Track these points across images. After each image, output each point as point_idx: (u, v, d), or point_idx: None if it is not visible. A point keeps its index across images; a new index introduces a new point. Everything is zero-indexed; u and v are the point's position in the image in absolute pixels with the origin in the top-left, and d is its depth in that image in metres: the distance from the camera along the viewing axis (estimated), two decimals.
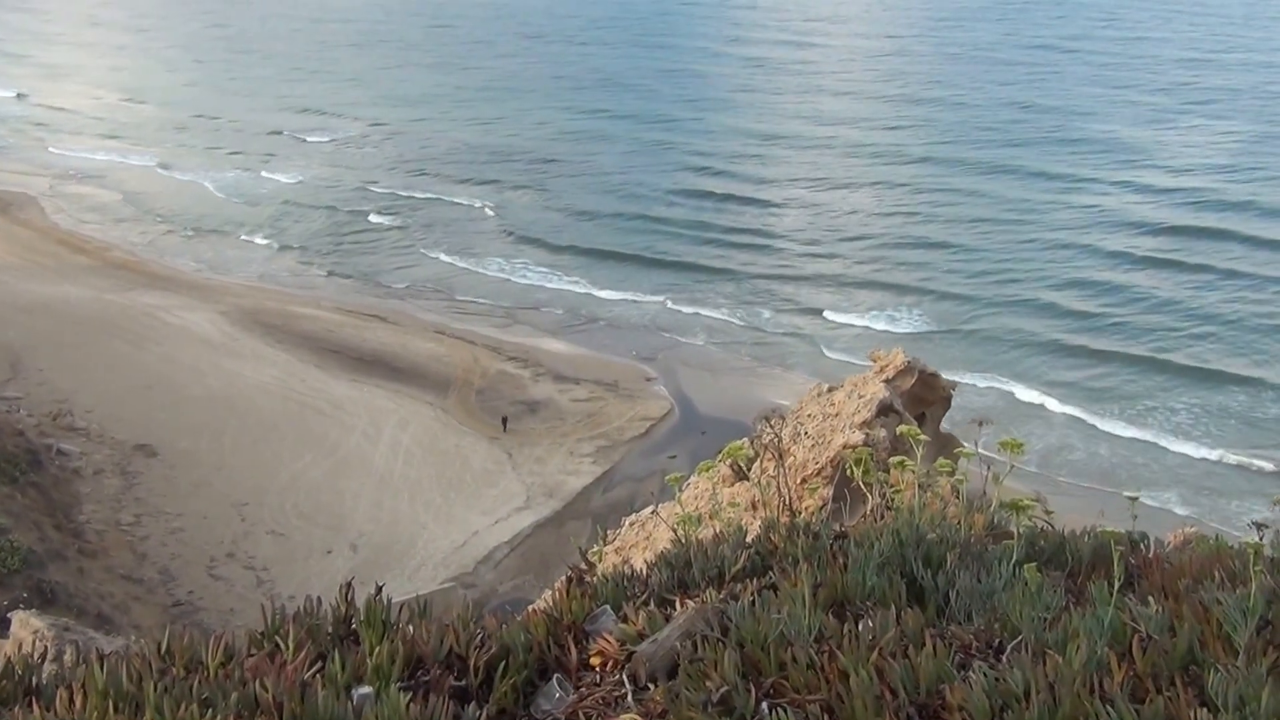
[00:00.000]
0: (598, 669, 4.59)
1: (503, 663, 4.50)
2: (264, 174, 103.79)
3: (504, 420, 54.31)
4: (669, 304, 70.27)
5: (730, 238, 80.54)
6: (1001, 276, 71.72)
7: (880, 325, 64.54)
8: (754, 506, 9.99)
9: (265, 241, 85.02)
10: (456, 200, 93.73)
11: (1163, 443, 51.65)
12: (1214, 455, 50.12)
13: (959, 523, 5.97)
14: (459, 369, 60.48)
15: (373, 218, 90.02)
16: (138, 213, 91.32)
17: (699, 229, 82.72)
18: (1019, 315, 65.71)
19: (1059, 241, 77.32)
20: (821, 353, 61.91)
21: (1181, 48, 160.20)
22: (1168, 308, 66.20)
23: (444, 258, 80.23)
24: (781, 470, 7.73)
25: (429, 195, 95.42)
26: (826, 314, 67.26)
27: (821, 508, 7.59)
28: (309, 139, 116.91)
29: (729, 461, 10.93)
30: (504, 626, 4.83)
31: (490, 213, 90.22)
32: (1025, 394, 56.29)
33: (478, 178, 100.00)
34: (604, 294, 72.25)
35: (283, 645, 4.61)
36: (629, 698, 4.35)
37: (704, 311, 68.94)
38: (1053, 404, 55.29)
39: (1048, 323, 64.60)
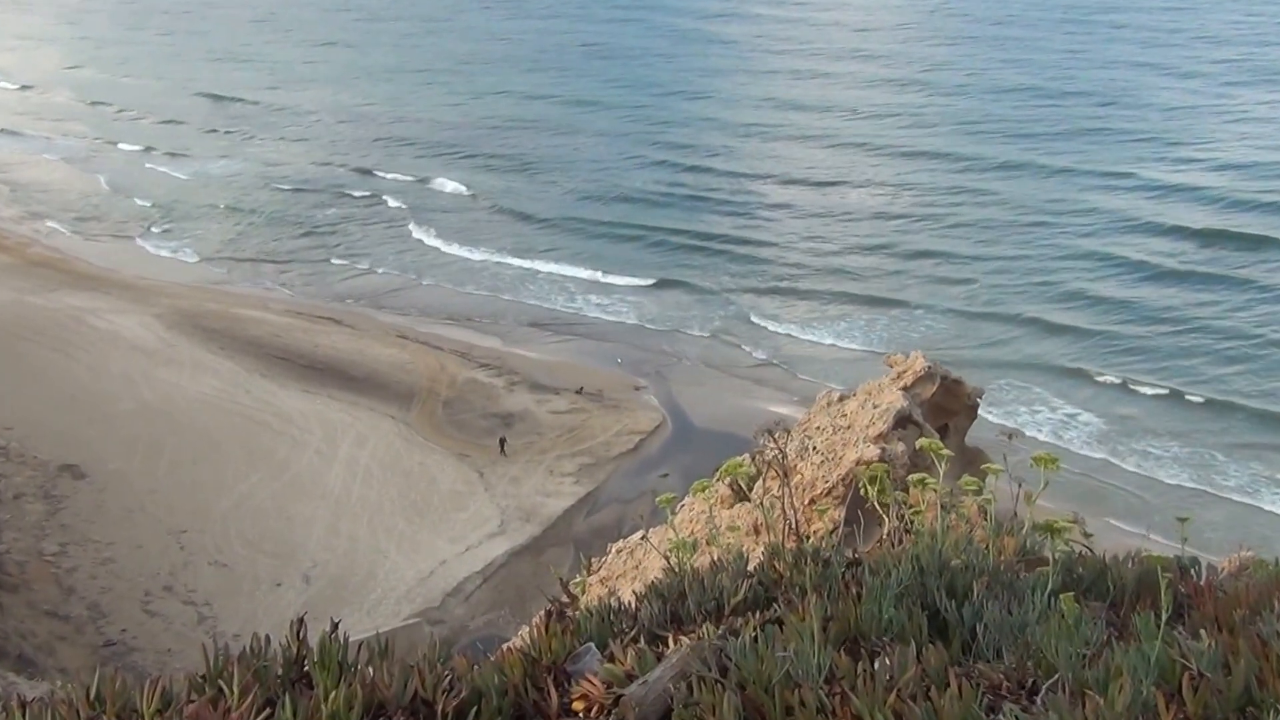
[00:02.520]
0: (581, 715, 4.57)
1: (474, 708, 4.48)
2: (201, 163, 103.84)
3: (501, 441, 53.75)
4: (658, 306, 70.26)
5: (715, 245, 79.69)
6: (1011, 291, 70.53)
7: (874, 345, 62.81)
8: (756, 530, 9.99)
9: (203, 236, 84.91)
10: (415, 193, 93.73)
11: (1193, 483, 50.54)
12: (1257, 501, 49.28)
13: (987, 547, 5.96)
14: (424, 378, 60.42)
15: (324, 209, 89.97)
16: (53, 207, 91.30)
17: (683, 232, 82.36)
18: (1030, 337, 64.19)
19: (1079, 250, 76.08)
20: (808, 372, 61.17)
21: (1233, 15, 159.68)
22: (1202, 329, 64.72)
23: (406, 255, 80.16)
24: (787, 490, 7.73)
25: (384, 186, 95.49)
26: (813, 331, 66.63)
27: (832, 531, 7.60)
28: (250, 125, 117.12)
29: (728, 480, 10.93)
30: (475, 668, 4.81)
31: (453, 209, 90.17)
32: (1034, 425, 55.33)
33: (436, 169, 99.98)
34: (585, 296, 72.27)
35: (226, 690, 4.58)
36: None
37: (699, 314, 68.96)
38: (1070, 439, 54.35)
39: (1063, 346, 63.13)
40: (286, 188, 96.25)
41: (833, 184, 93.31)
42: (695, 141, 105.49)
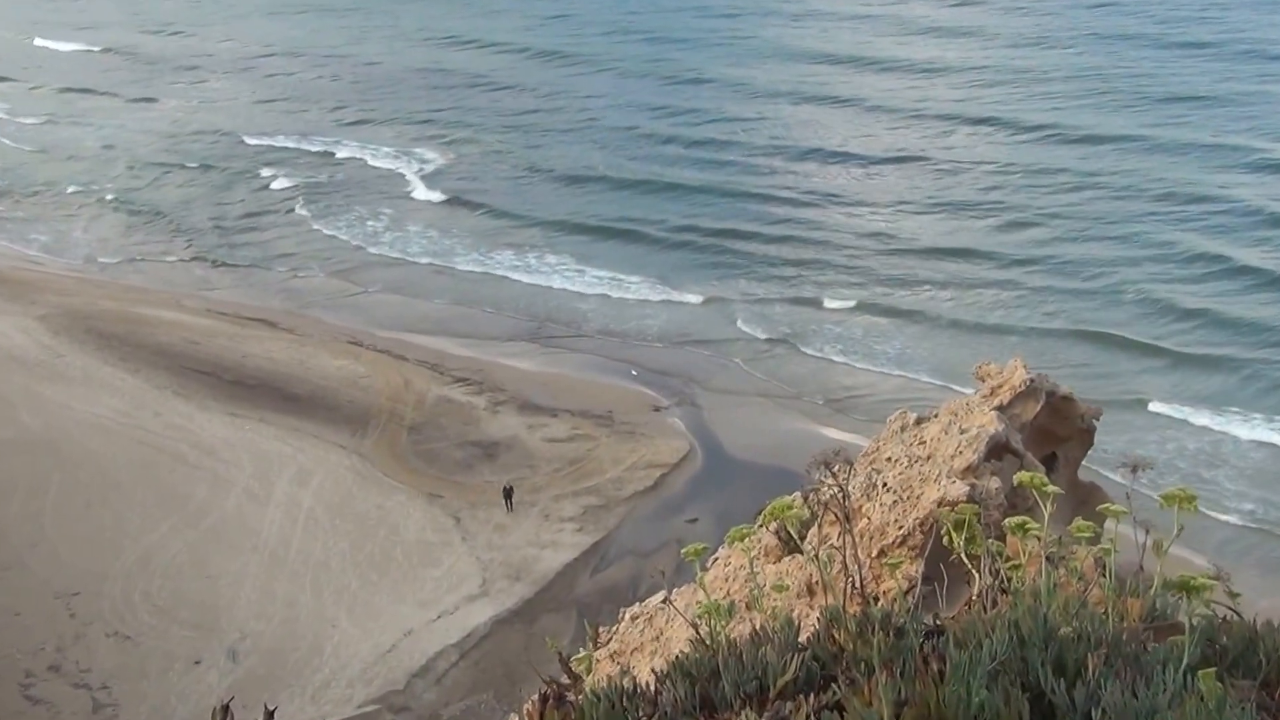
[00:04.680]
0: None
1: None
2: (87, 121, 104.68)
3: (507, 493, 53.28)
4: (684, 302, 70.37)
5: (747, 244, 79.30)
6: (1128, 305, 69.00)
7: (948, 376, 61.29)
8: (810, 590, 10.02)
9: (96, 214, 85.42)
10: (365, 156, 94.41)
11: None
12: None
13: (1105, 611, 5.99)
14: (383, 396, 60.53)
15: (252, 178, 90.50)
16: None
17: (704, 229, 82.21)
18: (1155, 366, 63.10)
19: (1210, 253, 74.26)
20: (864, 398, 60.66)
21: None
22: None
23: (357, 237, 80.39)
24: (849, 538, 7.76)
25: (325, 148, 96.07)
26: (872, 349, 66.13)
27: (907, 591, 7.63)
28: (127, 82, 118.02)
29: (774, 526, 10.96)
30: None
31: (417, 176, 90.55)
32: (1165, 457, 54.22)
33: (380, 139, 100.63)
34: (589, 289, 72.43)
35: None
36: None
37: (735, 313, 69.00)
38: (1213, 477, 53.46)
39: (1196, 376, 61.98)
40: (188, 164, 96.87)
41: (895, 163, 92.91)
42: (718, 108, 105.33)
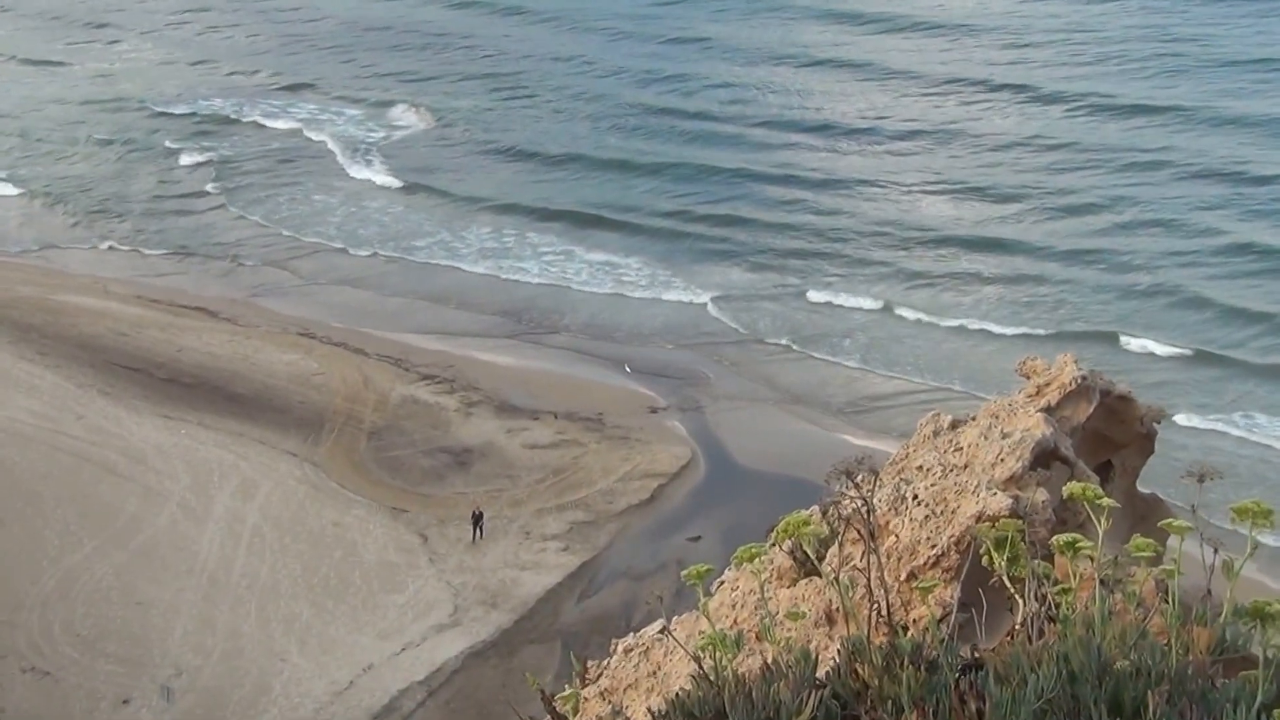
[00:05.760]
0: None
1: None
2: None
3: (476, 520, 52.78)
4: (684, 294, 70.39)
5: (750, 232, 79.22)
6: (1184, 311, 68.43)
7: (955, 383, 61.89)
8: (829, 619, 10.02)
9: (10, 190, 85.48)
10: (310, 127, 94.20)
11: None
12: None
13: (1168, 641, 5.98)
14: (339, 396, 60.47)
15: (176, 154, 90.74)
16: None
17: (715, 197, 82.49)
18: (1210, 377, 62.84)
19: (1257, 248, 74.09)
20: (885, 405, 60.70)
21: None
22: None
23: (312, 214, 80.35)
24: (875, 558, 7.76)
25: (262, 118, 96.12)
26: (893, 354, 65.80)
27: (941, 619, 7.64)
28: (56, 36, 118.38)
29: (788, 545, 10.96)
30: None
31: (371, 151, 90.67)
32: (1238, 462, 54.23)
33: (348, 91, 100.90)
34: (578, 275, 72.41)
35: None
36: None
37: (742, 308, 68.97)
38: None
39: (1238, 391, 61.88)
40: (99, 136, 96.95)
41: (925, 138, 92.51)
42: (718, 74, 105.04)
